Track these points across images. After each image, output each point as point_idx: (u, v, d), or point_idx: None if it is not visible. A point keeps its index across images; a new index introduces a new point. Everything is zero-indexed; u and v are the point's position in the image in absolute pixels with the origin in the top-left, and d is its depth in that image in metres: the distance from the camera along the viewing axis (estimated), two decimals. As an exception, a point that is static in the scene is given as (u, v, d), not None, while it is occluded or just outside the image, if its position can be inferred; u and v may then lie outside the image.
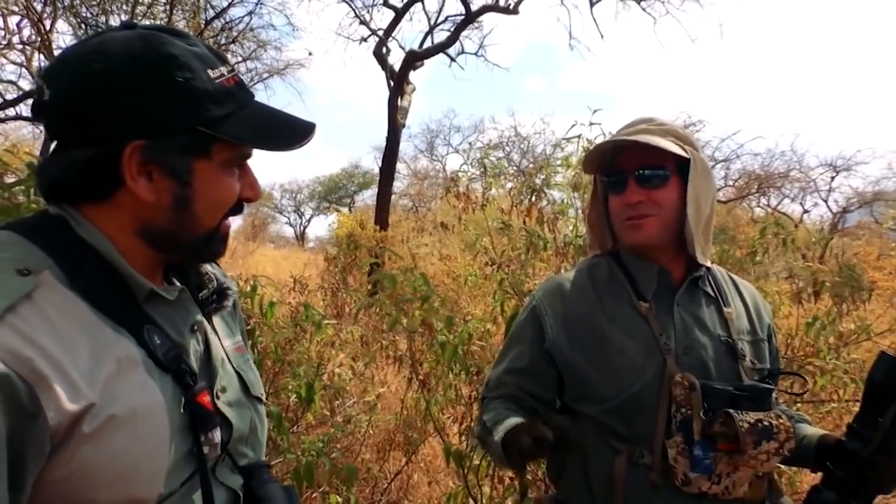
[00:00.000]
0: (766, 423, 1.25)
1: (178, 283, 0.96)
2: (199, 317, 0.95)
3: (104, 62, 0.79)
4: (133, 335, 0.81)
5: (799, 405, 3.03)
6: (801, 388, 1.54)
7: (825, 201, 19.89)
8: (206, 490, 0.86)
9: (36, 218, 0.85)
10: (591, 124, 3.02)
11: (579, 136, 3.08)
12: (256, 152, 0.92)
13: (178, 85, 0.81)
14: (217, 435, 0.89)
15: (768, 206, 20.07)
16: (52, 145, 0.85)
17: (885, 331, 3.70)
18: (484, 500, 2.69)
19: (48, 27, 8.23)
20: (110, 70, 0.79)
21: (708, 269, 1.50)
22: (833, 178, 19.58)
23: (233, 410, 0.94)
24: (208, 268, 1.03)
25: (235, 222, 0.98)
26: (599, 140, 3.15)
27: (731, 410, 1.26)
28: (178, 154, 0.83)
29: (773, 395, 1.38)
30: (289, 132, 0.90)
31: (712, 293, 1.47)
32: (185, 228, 0.86)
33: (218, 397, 0.92)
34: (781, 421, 1.27)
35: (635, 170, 1.40)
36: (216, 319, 1.01)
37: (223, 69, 0.87)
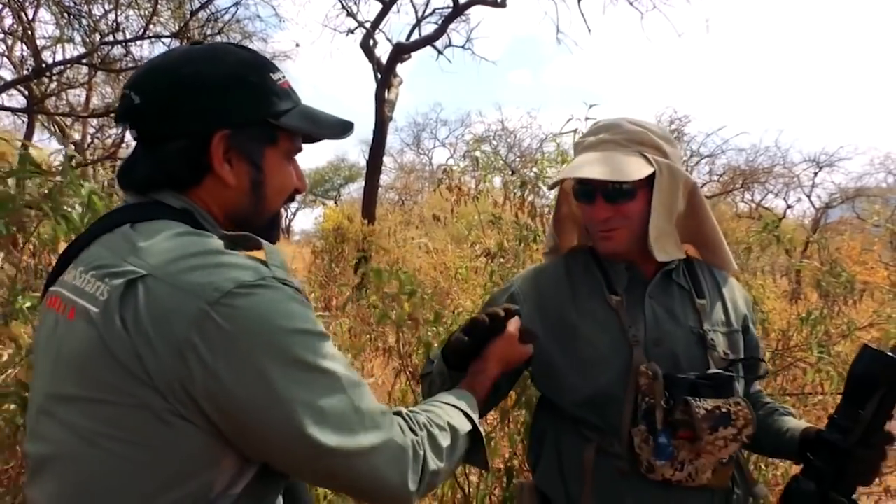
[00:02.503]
0: (723, 409, 1.28)
1: None
2: None
3: (192, 67, 0.96)
4: None
5: (787, 398, 3.08)
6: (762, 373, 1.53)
7: (808, 197, 20.12)
8: None
9: (162, 209, 0.96)
10: (586, 119, 3.03)
11: (575, 131, 3.09)
12: None
13: (251, 84, 0.98)
14: None
15: (752, 201, 20.27)
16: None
17: (866, 325, 3.75)
18: (471, 489, 2.71)
19: (30, 16, 8.11)
20: (197, 73, 0.96)
21: (686, 261, 1.53)
22: (816, 173, 19.81)
23: None
24: None
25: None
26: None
27: (690, 398, 1.29)
28: (253, 142, 0.99)
29: (736, 383, 1.39)
30: (335, 125, 1.07)
31: (686, 285, 1.49)
32: (259, 211, 1.02)
33: None
34: (740, 408, 1.30)
35: (602, 184, 1.41)
36: None
37: (280, 74, 1.03)
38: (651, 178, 1.41)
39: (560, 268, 1.56)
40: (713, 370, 1.37)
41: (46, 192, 1.54)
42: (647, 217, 1.43)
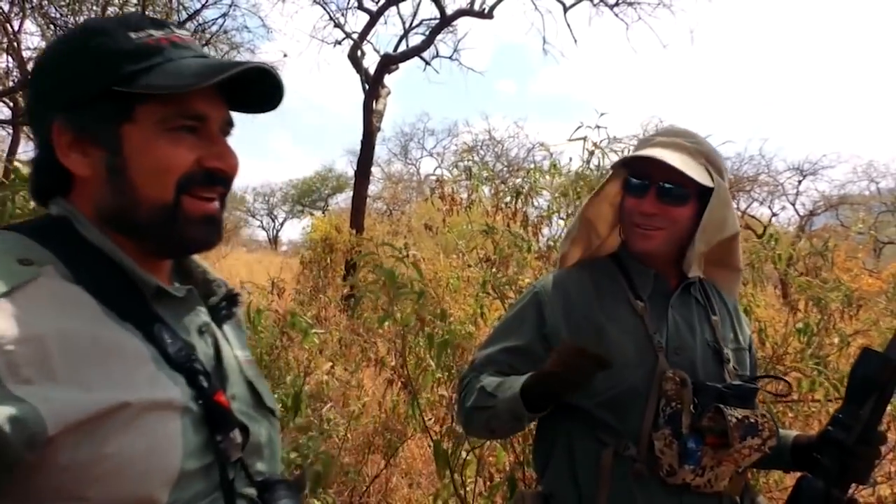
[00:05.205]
0: (751, 419, 1.32)
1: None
2: (208, 319, 0.91)
3: (44, 55, 0.84)
4: (141, 331, 0.78)
5: (780, 406, 3.10)
6: (780, 391, 1.60)
7: (793, 204, 20.28)
8: (227, 489, 0.81)
9: (39, 219, 0.84)
10: (597, 127, 3.05)
11: (585, 139, 3.11)
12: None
13: (88, 50, 0.80)
14: (238, 435, 0.83)
15: (738, 209, 20.38)
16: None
17: (854, 333, 3.77)
18: (470, 499, 2.69)
19: (16, 28, 8.08)
20: (45, 59, 0.84)
21: (699, 278, 1.57)
22: (800, 181, 20.00)
23: (245, 419, 0.88)
24: (215, 275, 0.99)
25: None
26: (604, 143, 3.20)
27: (721, 406, 1.32)
28: (102, 122, 0.81)
29: (756, 397, 1.45)
30: (213, 72, 0.80)
31: (702, 301, 1.54)
32: (131, 202, 0.82)
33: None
34: (766, 419, 1.34)
35: (659, 181, 1.44)
36: (227, 328, 0.97)
37: (153, 31, 0.83)
38: (704, 193, 1.45)
39: (584, 273, 1.58)
40: (737, 382, 1.41)
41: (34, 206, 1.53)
42: (688, 228, 1.47)
